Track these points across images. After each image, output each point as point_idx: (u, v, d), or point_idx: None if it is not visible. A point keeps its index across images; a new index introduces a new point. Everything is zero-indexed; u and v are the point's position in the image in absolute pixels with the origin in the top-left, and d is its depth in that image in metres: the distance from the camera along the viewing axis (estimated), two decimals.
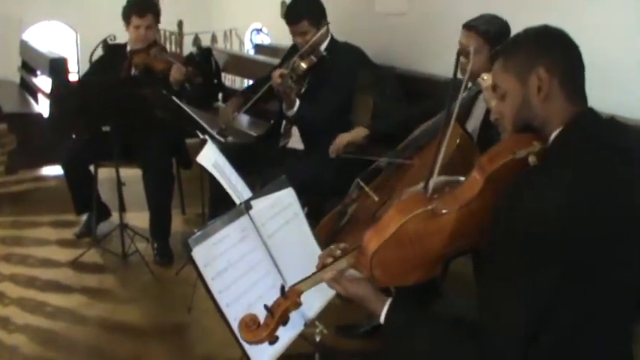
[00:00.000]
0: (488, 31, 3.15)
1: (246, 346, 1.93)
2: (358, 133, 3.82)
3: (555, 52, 1.76)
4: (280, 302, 1.82)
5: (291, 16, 4.20)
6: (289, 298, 1.82)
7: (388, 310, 1.83)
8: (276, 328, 1.79)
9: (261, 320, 1.80)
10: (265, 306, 1.81)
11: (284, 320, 1.81)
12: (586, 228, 1.60)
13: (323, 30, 4.16)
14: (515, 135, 1.81)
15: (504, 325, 1.64)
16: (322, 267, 1.88)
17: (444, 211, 1.76)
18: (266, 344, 1.88)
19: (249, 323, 1.78)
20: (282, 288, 1.84)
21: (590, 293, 1.64)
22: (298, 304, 1.83)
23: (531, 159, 1.72)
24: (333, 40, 4.29)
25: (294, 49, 4.38)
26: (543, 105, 1.75)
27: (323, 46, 4.21)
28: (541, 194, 1.60)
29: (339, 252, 1.90)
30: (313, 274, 1.87)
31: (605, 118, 1.80)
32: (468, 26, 3.22)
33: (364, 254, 1.78)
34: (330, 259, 1.90)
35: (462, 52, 3.16)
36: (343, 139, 3.83)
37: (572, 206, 1.58)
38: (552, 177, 1.63)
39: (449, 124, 2.08)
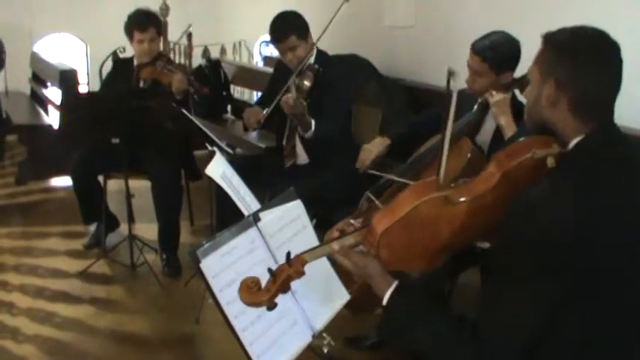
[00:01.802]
0: (495, 58, 3.11)
1: (253, 357, 1.93)
2: (382, 143, 3.68)
3: (577, 70, 1.71)
4: (284, 268, 1.80)
5: (277, 33, 4.12)
6: (293, 265, 1.80)
7: (393, 292, 1.83)
8: (276, 294, 1.77)
9: (263, 284, 1.78)
10: (269, 269, 1.79)
11: (285, 288, 1.79)
12: (601, 241, 1.60)
13: (311, 42, 4.12)
14: (535, 135, 1.82)
15: (504, 328, 1.65)
16: (329, 240, 1.88)
17: (457, 199, 1.77)
18: (273, 358, 1.90)
19: (251, 285, 1.76)
20: (288, 254, 1.82)
21: (597, 305, 1.64)
22: (301, 274, 1.81)
23: (549, 161, 1.73)
24: (320, 52, 4.22)
25: (280, 67, 4.34)
26: (549, 111, 1.74)
27: (312, 59, 4.15)
28: (559, 205, 1.60)
29: (351, 228, 1.91)
30: (320, 245, 1.87)
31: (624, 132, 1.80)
32: (475, 50, 3.16)
33: (373, 233, 1.78)
34: (336, 233, 1.91)
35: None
36: (370, 153, 3.66)
37: (589, 220, 1.59)
38: (571, 187, 1.63)
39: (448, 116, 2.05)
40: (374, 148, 3.68)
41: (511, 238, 1.66)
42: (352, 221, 1.99)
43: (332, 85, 4.06)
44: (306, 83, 4.04)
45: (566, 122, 1.74)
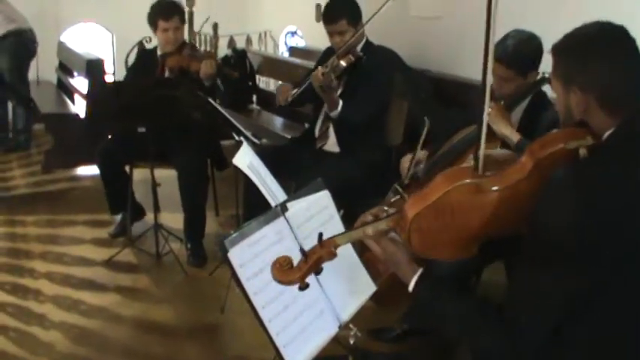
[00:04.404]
0: (520, 62, 3.07)
1: (280, 347, 1.93)
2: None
3: (595, 70, 1.73)
4: (316, 249, 1.83)
5: (330, 14, 4.21)
6: (325, 246, 1.83)
7: (418, 279, 1.86)
8: (307, 274, 1.80)
9: (295, 263, 1.81)
10: (301, 249, 1.83)
11: (316, 269, 1.83)
12: (623, 233, 1.59)
13: (360, 31, 4.16)
14: (570, 127, 1.83)
15: (532, 308, 1.66)
16: (361, 225, 1.90)
17: (489, 187, 1.77)
18: (299, 348, 1.90)
19: (283, 264, 1.79)
20: (320, 235, 1.84)
21: (623, 295, 1.63)
22: (332, 255, 1.83)
23: (582, 151, 1.73)
24: (368, 43, 4.30)
25: (329, 52, 4.38)
26: (585, 116, 1.77)
27: (359, 48, 4.21)
28: (590, 194, 1.60)
29: (383, 214, 1.93)
30: (353, 229, 1.90)
31: None
32: (498, 57, 3.08)
33: (404, 217, 1.81)
34: (370, 218, 1.93)
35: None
36: (403, 169, 3.47)
37: (621, 209, 1.59)
38: (602, 177, 1.64)
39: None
40: (405, 163, 3.52)
41: (538, 225, 1.66)
42: (385, 208, 2.00)
43: (370, 74, 4.11)
44: (342, 63, 4.07)
45: (600, 119, 1.75)
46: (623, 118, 1.72)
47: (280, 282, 1.79)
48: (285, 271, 1.78)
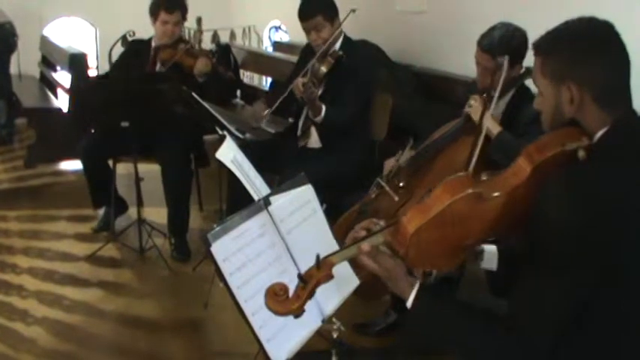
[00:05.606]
0: (503, 54, 3.09)
1: (263, 341, 1.93)
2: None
3: (589, 64, 1.71)
4: (313, 273, 1.73)
5: (305, 11, 4.16)
6: (322, 269, 1.73)
7: (418, 292, 1.79)
8: (306, 300, 1.70)
9: (291, 290, 1.70)
10: (299, 275, 1.73)
11: (313, 293, 1.72)
12: (632, 231, 1.60)
13: (337, 28, 4.13)
14: (564, 128, 1.80)
15: (540, 322, 1.64)
16: (354, 241, 1.82)
17: (490, 195, 1.74)
18: (283, 342, 1.89)
19: (279, 293, 1.68)
20: (318, 257, 1.74)
21: (626, 295, 1.64)
22: (330, 277, 1.74)
23: (580, 153, 1.72)
24: (346, 39, 4.25)
25: (307, 51, 4.37)
26: (577, 113, 1.75)
27: (337, 45, 4.18)
28: (589, 193, 1.60)
29: (377, 227, 1.85)
30: (347, 246, 1.80)
31: None
32: (484, 48, 3.15)
33: (403, 232, 1.72)
34: (363, 233, 1.85)
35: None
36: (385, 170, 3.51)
37: (619, 211, 1.60)
38: (600, 180, 1.64)
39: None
40: (387, 165, 3.53)
41: (543, 233, 1.64)
42: (375, 220, 1.93)
43: (353, 71, 4.07)
44: (323, 69, 4.05)
45: (593, 115, 1.73)
46: (617, 114, 1.71)
47: (277, 313, 1.69)
48: (283, 302, 1.68)
